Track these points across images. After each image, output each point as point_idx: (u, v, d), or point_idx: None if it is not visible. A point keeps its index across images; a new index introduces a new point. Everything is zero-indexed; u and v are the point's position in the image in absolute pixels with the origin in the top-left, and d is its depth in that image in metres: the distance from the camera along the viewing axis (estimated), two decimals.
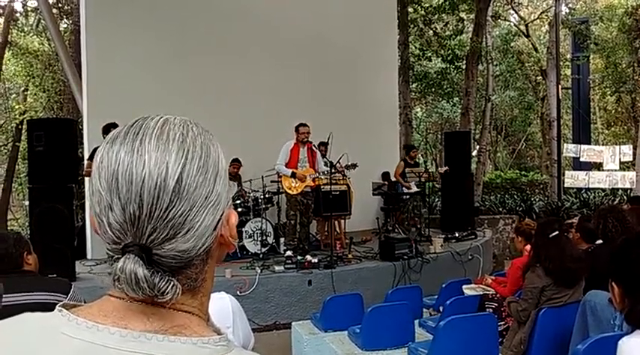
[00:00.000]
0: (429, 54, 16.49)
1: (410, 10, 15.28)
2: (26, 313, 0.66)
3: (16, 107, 17.29)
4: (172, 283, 0.62)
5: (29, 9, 17.19)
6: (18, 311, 0.67)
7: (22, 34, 17.24)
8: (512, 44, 20.32)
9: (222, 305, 1.23)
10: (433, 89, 17.88)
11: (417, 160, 9.75)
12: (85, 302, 0.69)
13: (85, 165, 7.11)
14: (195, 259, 0.65)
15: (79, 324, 0.62)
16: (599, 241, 3.75)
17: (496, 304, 4.21)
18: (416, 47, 16.97)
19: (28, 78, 16.23)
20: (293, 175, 7.07)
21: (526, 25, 20.09)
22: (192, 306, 0.66)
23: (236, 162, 8.16)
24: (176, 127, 0.66)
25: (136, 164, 0.62)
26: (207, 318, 0.70)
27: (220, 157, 0.68)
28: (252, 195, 7.61)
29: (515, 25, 21.00)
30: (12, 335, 0.63)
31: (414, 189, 8.87)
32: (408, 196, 8.96)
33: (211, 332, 0.66)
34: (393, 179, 9.46)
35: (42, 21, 15.19)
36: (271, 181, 7.71)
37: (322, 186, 7.28)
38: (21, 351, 0.61)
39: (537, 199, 14.34)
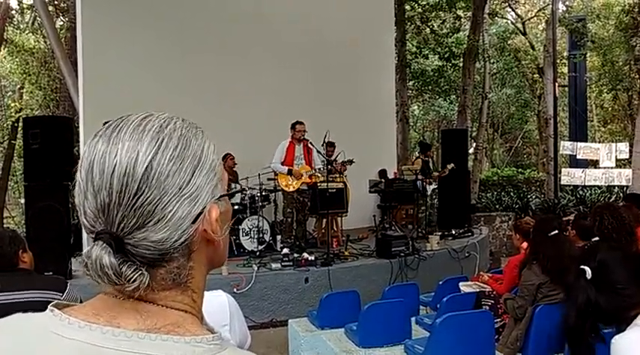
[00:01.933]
0: (426, 51, 16.50)
1: (407, 7, 15.28)
2: (17, 313, 0.66)
3: (12, 105, 17.20)
4: (140, 272, 0.62)
5: (25, 6, 17.13)
6: (13, 309, 0.67)
7: (18, 31, 17.16)
8: (509, 42, 20.32)
9: (219, 303, 1.22)
10: (430, 87, 17.89)
11: (428, 160, 9.70)
12: (81, 300, 0.69)
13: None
14: (174, 252, 0.64)
15: (71, 324, 0.61)
16: (596, 238, 3.75)
17: (492, 301, 4.21)
18: (413, 45, 16.96)
19: (24, 76, 16.16)
20: (289, 172, 7.09)
21: (523, 23, 20.11)
22: (184, 303, 0.66)
23: (229, 156, 8.10)
24: (157, 120, 0.66)
25: (110, 152, 0.63)
26: (202, 317, 0.69)
27: (205, 152, 0.68)
28: (248, 192, 7.61)
29: (512, 22, 21.01)
30: (3, 336, 0.62)
31: (433, 185, 8.90)
32: (428, 193, 8.96)
33: (205, 330, 0.66)
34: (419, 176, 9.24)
35: (38, 18, 15.15)
36: (268, 179, 7.71)
37: (319, 184, 7.29)
38: (12, 352, 0.61)
39: (534, 196, 14.38)
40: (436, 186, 8.97)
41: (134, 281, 0.61)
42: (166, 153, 0.63)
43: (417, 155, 10.11)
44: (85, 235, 7.33)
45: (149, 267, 0.63)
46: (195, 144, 0.67)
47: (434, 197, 9.11)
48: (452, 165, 8.62)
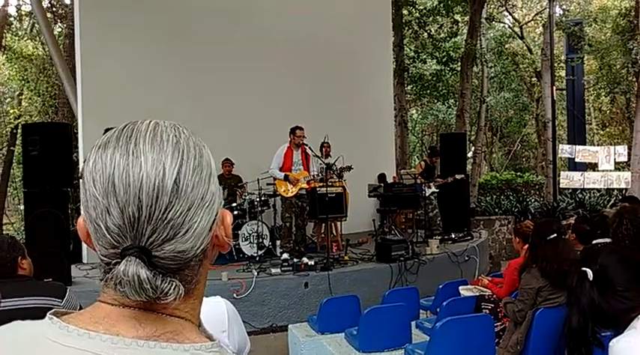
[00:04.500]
0: (424, 56, 16.53)
1: (404, 12, 15.32)
2: (16, 321, 0.65)
3: (11, 111, 17.22)
4: (174, 284, 0.62)
5: (23, 13, 17.17)
6: (13, 316, 0.67)
7: (17, 38, 17.20)
8: (506, 46, 20.39)
9: (217, 310, 1.22)
10: (428, 91, 17.91)
11: (436, 165, 9.69)
12: (80, 307, 0.69)
13: (81, 169, 7.07)
14: (193, 260, 0.65)
15: (70, 332, 0.61)
16: (597, 241, 3.75)
17: (492, 305, 4.21)
18: (411, 49, 17.00)
19: (23, 82, 16.19)
20: (286, 178, 7.09)
21: (520, 27, 20.18)
22: (185, 311, 0.66)
23: (227, 162, 8.14)
24: (168, 129, 0.66)
25: (133, 166, 0.61)
26: (199, 323, 0.69)
27: (211, 158, 0.69)
28: (248, 197, 7.61)
29: (509, 26, 21.08)
30: (1, 344, 0.62)
31: (433, 189, 8.91)
32: (432, 196, 8.97)
33: (204, 338, 0.66)
34: (418, 180, 9.17)
35: (36, 25, 15.17)
36: (267, 184, 7.71)
37: (318, 189, 7.29)
38: None
39: (533, 200, 14.39)
40: (436, 190, 8.97)
41: (170, 294, 0.61)
42: (189, 164, 0.64)
43: (423, 158, 10.13)
44: None
45: (172, 277, 0.63)
46: (205, 151, 0.68)
47: (432, 200, 9.11)
48: (462, 175, 8.64)
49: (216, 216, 0.67)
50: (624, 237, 3.33)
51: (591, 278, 1.67)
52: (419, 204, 9.03)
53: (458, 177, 8.64)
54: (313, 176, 7.21)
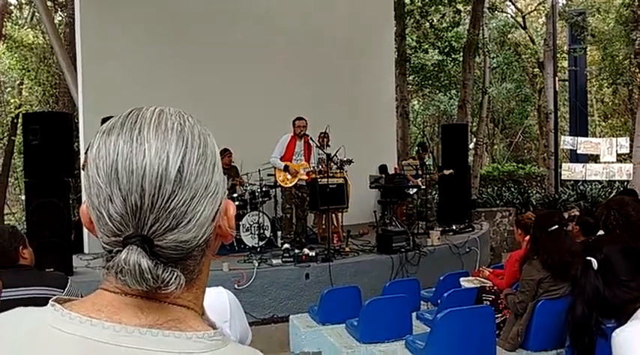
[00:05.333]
0: (426, 46, 16.45)
1: (406, 1, 15.22)
2: (19, 308, 0.65)
3: (12, 101, 17.20)
4: (176, 274, 0.61)
5: (23, 2, 17.10)
6: (14, 306, 0.66)
7: (17, 27, 17.13)
8: (509, 36, 20.29)
9: (219, 300, 1.22)
10: (430, 81, 17.85)
11: (426, 160, 9.71)
12: (81, 297, 0.68)
13: (83, 159, 7.09)
14: (195, 250, 0.64)
15: (72, 319, 0.61)
16: (600, 233, 3.74)
17: (493, 296, 4.22)
18: (413, 39, 16.92)
19: (23, 71, 16.14)
20: (286, 168, 7.08)
21: (523, 17, 20.05)
22: (188, 300, 0.66)
23: (227, 152, 8.11)
24: (173, 117, 0.65)
25: (136, 153, 0.60)
26: (202, 312, 0.69)
27: (216, 147, 0.68)
28: (249, 188, 7.60)
29: (512, 16, 20.95)
30: (3, 330, 0.62)
31: (421, 185, 8.92)
32: (411, 193, 8.98)
33: (206, 326, 0.65)
34: (418, 171, 9.22)
35: (36, 14, 15.11)
36: (268, 175, 7.70)
37: (319, 179, 7.28)
38: (13, 347, 0.60)
39: (534, 192, 14.39)
40: (423, 187, 8.99)
41: (171, 284, 0.61)
42: (193, 152, 0.63)
43: (412, 155, 10.16)
44: (86, 232, 7.34)
45: (174, 266, 0.62)
46: (209, 140, 0.67)
47: (417, 198, 9.12)
48: (451, 171, 8.64)
49: (219, 206, 0.66)
50: (614, 228, 3.33)
51: (596, 268, 1.67)
52: (405, 197, 9.06)
53: (446, 172, 8.66)
54: (313, 167, 7.20)
